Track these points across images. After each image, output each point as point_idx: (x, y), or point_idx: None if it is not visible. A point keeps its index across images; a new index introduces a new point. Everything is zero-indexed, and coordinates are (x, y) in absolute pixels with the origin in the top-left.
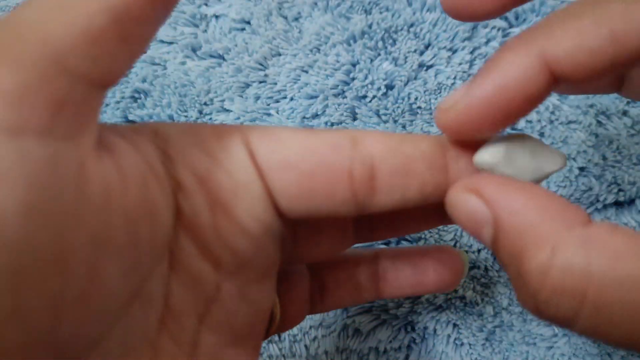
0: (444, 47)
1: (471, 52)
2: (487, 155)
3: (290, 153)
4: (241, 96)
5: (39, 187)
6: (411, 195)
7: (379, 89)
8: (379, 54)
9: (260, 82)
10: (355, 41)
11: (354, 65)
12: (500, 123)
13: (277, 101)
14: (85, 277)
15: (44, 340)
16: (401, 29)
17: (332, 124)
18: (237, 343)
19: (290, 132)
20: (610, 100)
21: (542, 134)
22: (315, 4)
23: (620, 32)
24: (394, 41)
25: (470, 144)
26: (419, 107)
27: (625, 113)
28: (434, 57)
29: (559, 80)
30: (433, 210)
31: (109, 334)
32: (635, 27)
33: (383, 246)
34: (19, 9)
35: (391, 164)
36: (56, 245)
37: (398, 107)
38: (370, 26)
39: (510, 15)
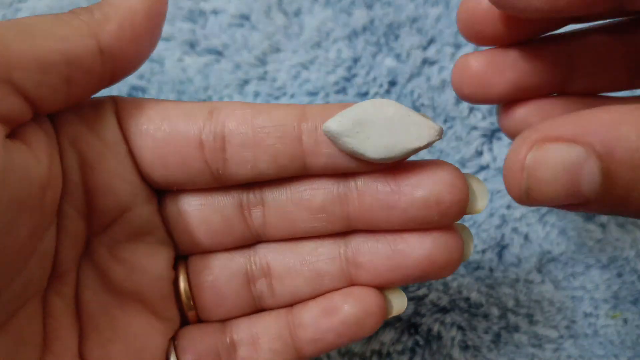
0: (448, 43)
1: (475, 48)
2: (333, 123)
3: (148, 121)
4: (240, 93)
5: None
6: (264, 167)
7: (381, 85)
8: (381, 50)
9: (260, 79)
10: (356, 37)
11: (355, 61)
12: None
13: (277, 98)
14: (2, 232)
15: None
16: (404, 24)
17: None
18: (123, 305)
19: (154, 102)
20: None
21: None
22: None
23: None
24: (397, 37)
25: (328, 115)
26: (422, 104)
27: None
28: (437, 53)
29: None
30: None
31: (9, 287)
32: None
33: None
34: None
35: (241, 135)
36: None
37: (401, 104)
38: (372, 21)
39: None
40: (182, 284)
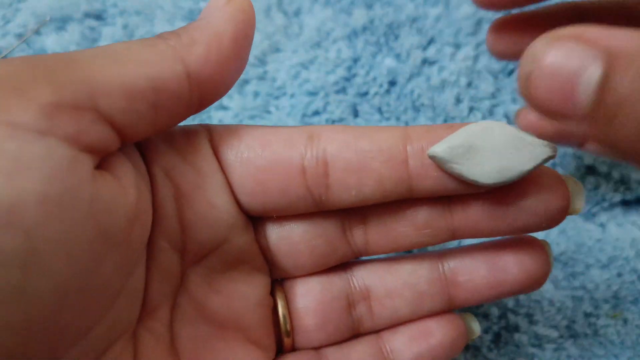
0: (448, 43)
1: (475, 48)
2: (439, 149)
3: (247, 148)
4: (240, 93)
5: (57, 181)
6: (368, 192)
7: (381, 85)
8: (381, 50)
9: (260, 79)
10: (356, 37)
11: (355, 61)
12: None
13: (277, 98)
14: (89, 268)
15: (44, 323)
16: (404, 24)
17: (333, 121)
18: (223, 336)
19: (250, 129)
20: None
21: None
22: None
23: None
24: (397, 37)
25: (434, 137)
26: (422, 104)
27: None
28: (437, 52)
29: None
30: (436, 216)
31: (97, 325)
32: None
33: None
34: (83, 50)
35: (345, 160)
36: (67, 236)
37: (400, 103)
38: (372, 21)
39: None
40: (281, 310)
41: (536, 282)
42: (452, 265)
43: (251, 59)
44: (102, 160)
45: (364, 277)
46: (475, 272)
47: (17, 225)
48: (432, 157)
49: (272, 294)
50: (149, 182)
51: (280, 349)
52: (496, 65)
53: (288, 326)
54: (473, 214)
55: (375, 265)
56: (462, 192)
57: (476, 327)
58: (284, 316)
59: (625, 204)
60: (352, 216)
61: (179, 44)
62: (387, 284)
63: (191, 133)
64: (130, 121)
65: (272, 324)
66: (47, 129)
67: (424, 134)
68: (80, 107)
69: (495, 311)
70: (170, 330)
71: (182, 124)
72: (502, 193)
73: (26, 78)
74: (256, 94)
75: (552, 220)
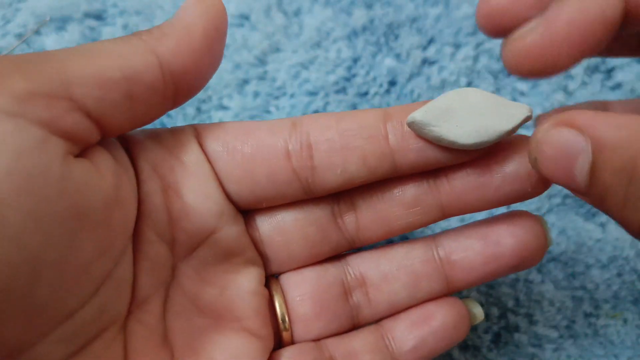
0: (448, 43)
1: (475, 48)
2: (418, 113)
3: (232, 138)
4: (240, 93)
5: (26, 157)
6: (354, 170)
7: (381, 85)
8: (381, 50)
9: (260, 79)
10: (356, 37)
11: (355, 61)
12: (579, 51)
13: (277, 98)
14: (64, 244)
15: (19, 294)
16: (404, 24)
17: None
18: (218, 327)
19: (234, 122)
20: (616, 97)
21: None
22: None
23: None
24: (397, 36)
25: (411, 111)
26: None
27: None
28: (437, 52)
29: (630, 12)
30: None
31: (82, 310)
32: None
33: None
34: (58, 50)
35: (328, 141)
36: (38, 209)
37: (400, 103)
38: (372, 21)
39: None
40: (278, 305)
41: (533, 256)
42: (446, 244)
43: (251, 59)
44: (83, 151)
45: (358, 264)
46: (470, 249)
47: None
48: (411, 124)
49: (268, 288)
50: (133, 174)
51: (279, 344)
52: (496, 65)
53: (286, 320)
54: (459, 186)
55: (369, 253)
56: (444, 161)
57: (479, 311)
58: (281, 310)
59: None
60: (341, 202)
61: (151, 37)
62: (382, 268)
63: (177, 131)
64: (106, 111)
65: (269, 315)
66: (18, 112)
67: (402, 110)
68: (54, 96)
69: (495, 311)
70: (162, 322)
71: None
72: (484, 161)
73: (3, 70)
74: (256, 94)
75: (537, 185)
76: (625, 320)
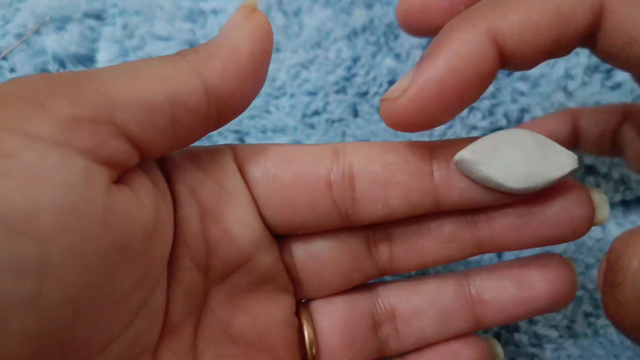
0: None
1: None
2: (466, 151)
3: (273, 164)
4: None
5: (72, 191)
6: (396, 205)
7: (380, 85)
8: (381, 50)
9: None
10: (356, 36)
11: (355, 61)
12: (454, 108)
13: (277, 98)
14: (104, 280)
15: (58, 334)
16: None
17: (333, 121)
18: (248, 356)
19: (274, 146)
20: (616, 99)
21: None
22: None
23: (567, 9)
24: (396, 36)
25: (458, 148)
26: None
27: None
28: None
29: (506, 58)
30: (460, 231)
31: (116, 342)
32: (581, 6)
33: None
34: (100, 68)
35: (371, 173)
36: (81, 246)
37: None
38: (372, 21)
39: None
40: (307, 332)
41: (564, 300)
42: (478, 283)
43: None
44: (121, 175)
45: (389, 296)
46: (502, 290)
47: (32, 234)
48: (459, 162)
49: (297, 315)
50: (170, 198)
51: None
52: None
53: (314, 349)
54: (497, 225)
55: (400, 285)
56: (488, 202)
57: (500, 351)
58: (309, 338)
59: (625, 204)
60: (377, 232)
61: (197, 59)
62: (412, 303)
63: (216, 151)
64: (148, 136)
65: (298, 345)
66: (65, 141)
67: (448, 146)
68: (98, 121)
69: None
70: (193, 350)
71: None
72: (526, 203)
73: (45, 92)
74: None
75: (577, 230)
76: None
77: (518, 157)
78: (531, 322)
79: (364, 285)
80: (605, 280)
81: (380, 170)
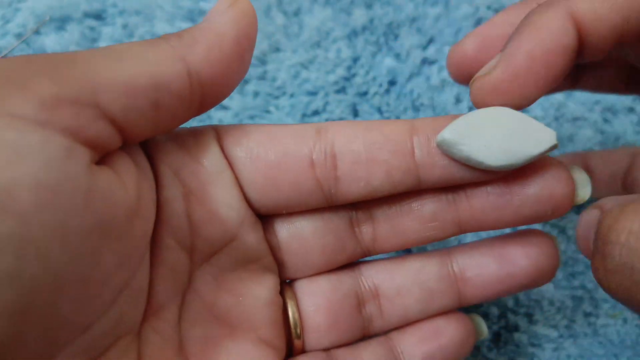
0: (447, 42)
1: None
2: (446, 132)
3: (256, 144)
4: (240, 93)
5: (53, 169)
6: (377, 183)
7: (380, 85)
8: (381, 50)
9: (260, 79)
10: (356, 36)
11: (355, 60)
12: (542, 81)
13: (277, 97)
14: (87, 259)
15: (41, 311)
16: (403, 24)
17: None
18: (233, 336)
19: (257, 126)
20: (616, 97)
21: None
22: None
23: None
24: (396, 36)
25: (439, 127)
26: (422, 104)
27: (631, 110)
28: (437, 52)
29: (584, 37)
30: (442, 209)
31: (100, 321)
32: None
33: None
34: (84, 50)
35: (353, 152)
36: (62, 224)
37: (400, 103)
38: (371, 21)
39: None
40: (291, 312)
41: (545, 275)
42: (461, 261)
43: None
44: (104, 157)
45: (372, 275)
46: (485, 267)
47: (11, 210)
48: (440, 143)
49: (282, 295)
50: (153, 180)
51: (290, 352)
52: None
53: (298, 328)
54: (477, 204)
55: (384, 264)
56: (468, 180)
57: (484, 327)
58: (294, 318)
59: None
60: (359, 212)
61: (180, 43)
62: (396, 281)
63: (199, 133)
64: (131, 119)
65: (283, 325)
66: (46, 121)
67: (430, 124)
68: (80, 102)
69: (495, 311)
70: (178, 330)
71: (188, 126)
72: (506, 182)
73: (28, 73)
74: (256, 94)
75: (557, 208)
76: (625, 320)
77: (497, 135)
78: (531, 322)
79: (348, 264)
80: (595, 250)
81: (362, 148)
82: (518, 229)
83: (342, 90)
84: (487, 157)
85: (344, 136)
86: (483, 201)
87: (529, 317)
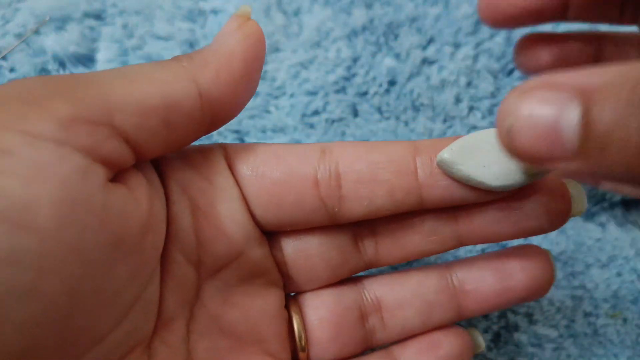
0: (447, 42)
1: (475, 47)
2: (446, 152)
3: (262, 163)
4: None
5: (71, 187)
6: (380, 202)
7: (380, 85)
8: (381, 49)
9: (260, 79)
10: (356, 36)
11: (355, 60)
12: None
13: (277, 97)
14: (101, 273)
15: (56, 325)
16: (403, 24)
17: (333, 121)
18: (240, 349)
19: (264, 145)
20: None
21: None
22: None
23: None
24: (396, 36)
25: (441, 147)
26: (422, 104)
27: None
28: (437, 52)
29: None
30: (441, 223)
31: (113, 333)
32: None
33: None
34: (99, 71)
35: (357, 172)
36: (79, 240)
37: (400, 103)
38: (371, 21)
39: None
40: (296, 324)
41: (541, 289)
42: (460, 274)
43: None
44: (117, 175)
45: (375, 288)
46: (483, 281)
47: (31, 226)
48: (440, 162)
49: (287, 308)
50: (163, 196)
51: None
52: (496, 64)
53: (303, 341)
54: (477, 220)
55: (386, 278)
56: (470, 200)
57: (481, 341)
58: (299, 331)
59: (625, 204)
60: (362, 228)
61: (191, 64)
62: (398, 294)
63: (207, 150)
64: (143, 137)
65: (288, 337)
66: (64, 140)
67: (432, 145)
68: (96, 122)
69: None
70: (186, 343)
71: (196, 143)
72: (504, 198)
73: (45, 93)
74: (256, 94)
75: (554, 222)
76: (624, 320)
77: (497, 156)
78: (531, 321)
79: (351, 278)
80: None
81: (365, 169)
82: (512, 246)
83: (342, 90)
84: (486, 178)
85: (348, 156)
86: (482, 216)
87: (529, 317)
